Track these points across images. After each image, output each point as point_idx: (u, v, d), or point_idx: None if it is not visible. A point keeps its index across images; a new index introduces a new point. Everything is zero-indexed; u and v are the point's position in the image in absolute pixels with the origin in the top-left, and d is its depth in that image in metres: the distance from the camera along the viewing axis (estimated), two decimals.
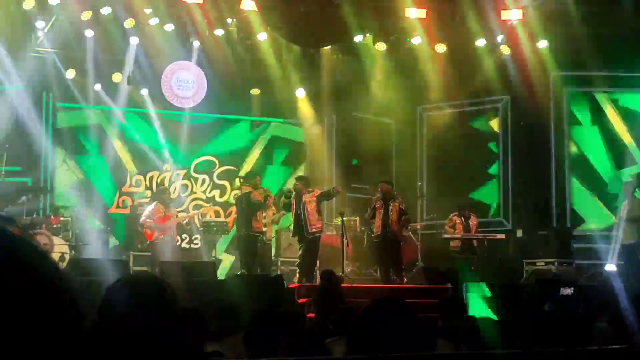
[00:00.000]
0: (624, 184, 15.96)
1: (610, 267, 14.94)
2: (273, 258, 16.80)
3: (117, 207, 17.67)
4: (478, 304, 13.80)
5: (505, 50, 17.90)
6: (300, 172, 18.95)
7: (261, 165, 18.88)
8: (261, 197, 14.90)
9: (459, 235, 15.93)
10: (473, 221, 16.16)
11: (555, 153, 18.45)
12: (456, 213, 16.19)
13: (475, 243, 16.04)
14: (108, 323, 2.03)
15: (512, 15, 17.27)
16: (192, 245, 17.10)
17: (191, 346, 2.08)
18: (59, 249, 14.51)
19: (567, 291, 9.09)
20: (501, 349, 5.75)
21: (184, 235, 16.82)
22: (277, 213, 16.23)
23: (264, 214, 15.44)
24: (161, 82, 17.79)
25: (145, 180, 17.99)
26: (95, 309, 2.21)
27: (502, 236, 16.45)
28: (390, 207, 14.83)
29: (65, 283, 1.48)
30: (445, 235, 16.05)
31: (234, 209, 17.56)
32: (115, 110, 17.78)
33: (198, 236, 17.03)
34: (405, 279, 15.04)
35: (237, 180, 16.34)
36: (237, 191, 16.84)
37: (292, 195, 14.46)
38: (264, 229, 15.46)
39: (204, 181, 18.47)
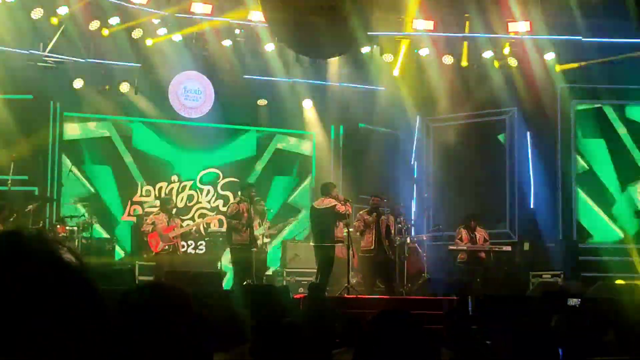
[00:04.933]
0: None
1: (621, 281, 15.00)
2: (279, 269, 17.01)
3: (129, 215, 17.72)
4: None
5: (512, 62, 17.90)
6: (307, 183, 19.10)
7: (268, 176, 18.92)
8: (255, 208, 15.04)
9: (464, 247, 15.92)
10: (479, 233, 16.16)
11: (562, 165, 18.42)
12: (463, 225, 16.22)
13: (483, 255, 16.03)
14: (123, 328, 2.03)
15: (520, 27, 17.28)
16: (197, 251, 17.34)
17: (202, 356, 2.08)
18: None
19: (574, 301, 9.05)
20: None
21: (189, 242, 16.92)
22: (262, 225, 16.19)
23: (263, 225, 15.58)
24: (169, 92, 17.84)
25: (154, 190, 18.02)
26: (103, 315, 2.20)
27: (509, 248, 16.45)
28: (380, 222, 14.94)
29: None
30: (451, 247, 16.04)
31: None
32: (123, 119, 17.84)
33: (203, 242, 17.09)
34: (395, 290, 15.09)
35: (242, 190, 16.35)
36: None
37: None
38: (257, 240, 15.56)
39: (208, 192, 18.51)
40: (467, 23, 17.64)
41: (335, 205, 14.49)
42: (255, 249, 14.98)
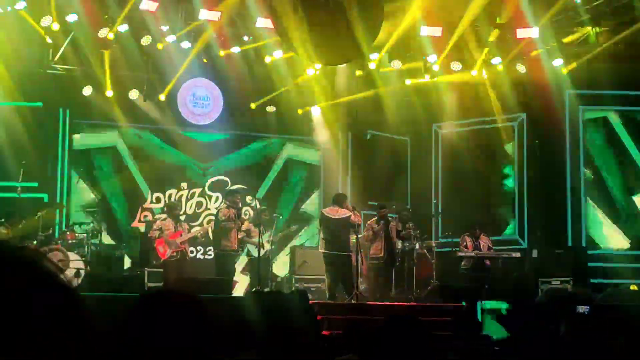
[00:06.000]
0: None
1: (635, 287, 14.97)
2: (287, 275, 17.17)
3: (139, 221, 17.76)
4: (492, 323, 13.79)
5: (520, 68, 17.88)
6: (316, 190, 19.13)
7: (276, 183, 18.95)
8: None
9: (472, 254, 15.90)
10: (483, 240, 16.17)
11: (570, 171, 18.36)
12: (467, 233, 16.23)
13: (488, 262, 16.01)
14: (136, 336, 2.04)
15: (529, 33, 17.25)
16: (207, 257, 17.43)
17: None
18: (75, 265, 14.56)
19: (583, 308, 9.03)
20: None
21: (198, 247, 17.13)
22: (266, 234, 16.26)
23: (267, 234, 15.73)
24: (177, 99, 17.87)
25: (164, 197, 18.05)
26: (111, 323, 2.21)
27: (518, 255, 16.41)
28: (389, 230, 15.13)
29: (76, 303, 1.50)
30: (459, 253, 16.03)
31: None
32: (132, 127, 17.87)
33: (212, 247, 17.17)
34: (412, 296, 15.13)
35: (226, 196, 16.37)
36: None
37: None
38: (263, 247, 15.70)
39: (217, 198, 18.54)
40: (475, 29, 17.62)
41: (350, 215, 14.61)
42: (249, 257, 15.30)
